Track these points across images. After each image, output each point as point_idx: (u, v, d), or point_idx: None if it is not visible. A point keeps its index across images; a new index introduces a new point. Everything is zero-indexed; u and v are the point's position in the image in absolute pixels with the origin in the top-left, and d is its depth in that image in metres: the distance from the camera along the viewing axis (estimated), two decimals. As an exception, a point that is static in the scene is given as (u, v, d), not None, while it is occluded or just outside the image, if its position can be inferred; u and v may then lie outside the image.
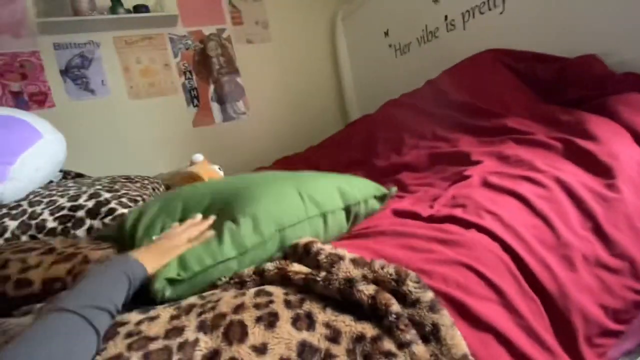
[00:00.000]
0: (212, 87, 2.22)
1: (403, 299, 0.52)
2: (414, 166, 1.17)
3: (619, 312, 0.62)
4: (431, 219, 0.75)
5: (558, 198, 0.72)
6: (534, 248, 0.64)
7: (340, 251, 0.60)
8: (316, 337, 0.48)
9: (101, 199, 1.03)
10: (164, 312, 0.51)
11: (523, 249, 0.63)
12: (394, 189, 0.92)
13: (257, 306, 0.51)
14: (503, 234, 0.65)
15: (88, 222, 0.98)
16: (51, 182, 1.25)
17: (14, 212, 0.98)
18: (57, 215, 0.98)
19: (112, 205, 1.01)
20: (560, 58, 1.23)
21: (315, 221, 0.72)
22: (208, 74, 2.21)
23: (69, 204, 1.00)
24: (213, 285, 0.59)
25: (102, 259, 0.73)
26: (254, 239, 0.62)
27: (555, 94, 1.18)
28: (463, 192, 0.81)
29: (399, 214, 0.82)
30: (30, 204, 1.01)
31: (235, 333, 0.47)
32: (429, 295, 0.52)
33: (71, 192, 1.06)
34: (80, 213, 0.99)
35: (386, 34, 2.08)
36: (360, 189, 0.84)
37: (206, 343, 0.45)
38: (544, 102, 1.18)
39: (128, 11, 1.90)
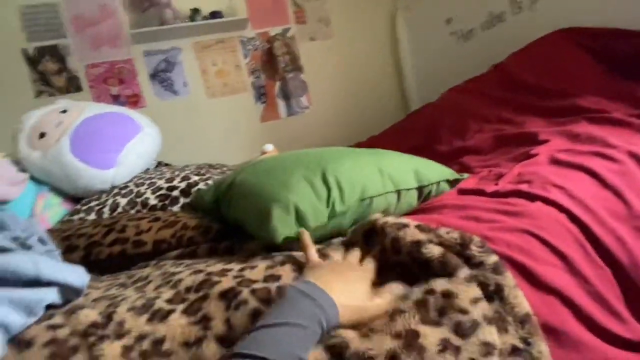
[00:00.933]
0: (277, 84, 2.37)
1: (468, 261, 0.55)
2: (478, 149, 1.17)
3: None
4: (495, 195, 0.77)
5: (631, 171, 0.71)
6: (604, 219, 0.64)
7: (405, 220, 0.65)
8: None
9: (191, 180, 1.19)
10: (261, 263, 0.60)
11: (592, 220, 0.64)
12: (467, 175, 0.95)
13: None
14: (570, 205, 0.66)
15: (181, 200, 1.14)
16: (148, 169, 1.45)
17: (123, 191, 1.17)
18: (157, 194, 1.15)
19: (200, 185, 1.16)
20: (643, 32, 1.15)
21: (390, 197, 0.77)
22: (274, 72, 2.35)
23: (166, 185, 1.17)
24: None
25: (199, 226, 0.86)
26: (340, 205, 0.68)
27: (635, 71, 1.12)
28: (529, 169, 0.81)
29: (463, 191, 0.85)
30: (136, 185, 1.19)
31: None
32: (493, 258, 0.54)
33: (167, 176, 1.23)
34: (175, 193, 1.15)
35: (448, 22, 2.06)
36: (435, 171, 0.88)
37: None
38: (624, 80, 1.12)
39: (205, 18, 2.10)
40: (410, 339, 0.45)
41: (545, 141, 0.96)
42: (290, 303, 0.43)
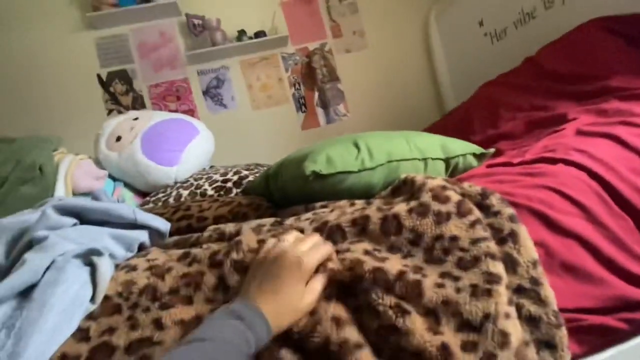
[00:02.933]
0: (316, 95, 2.52)
1: (486, 210, 0.60)
2: (511, 135, 1.21)
3: None
4: (521, 164, 0.82)
5: (655, 133, 0.74)
6: (625, 175, 0.68)
7: (433, 176, 0.73)
8: (400, 241, 0.58)
9: (242, 174, 1.33)
10: (288, 220, 0.70)
11: (612, 176, 0.68)
12: (492, 150, 1.01)
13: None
14: (591, 164, 0.70)
15: (234, 190, 1.28)
16: (204, 169, 1.62)
17: (185, 184, 1.34)
18: (213, 186, 1.30)
19: (250, 178, 1.30)
20: (676, 13, 1.16)
21: (417, 164, 0.85)
22: (313, 83, 2.51)
23: (221, 178, 1.32)
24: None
25: (251, 203, 0.99)
26: (369, 162, 0.78)
27: (672, 51, 1.12)
28: (555, 141, 0.86)
29: (491, 165, 0.91)
30: (195, 180, 1.35)
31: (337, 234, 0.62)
32: (510, 210, 0.59)
33: (221, 171, 1.38)
34: (229, 184, 1.29)
35: (480, 23, 2.12)
36: (461, 145, 0.95)
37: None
38: (657, 60, 1.12)
39: (250, 38, 2.31)
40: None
41: (574, 119, 0.99)
42: (225, 322, 0.43)
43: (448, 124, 1.68)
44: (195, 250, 0.60)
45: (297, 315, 0.48)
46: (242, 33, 2.30)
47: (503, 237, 0.57)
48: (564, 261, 0.59)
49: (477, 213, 0.59)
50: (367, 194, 0.82)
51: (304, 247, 0.52)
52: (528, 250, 0.55)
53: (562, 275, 0.58)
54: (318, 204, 0.79)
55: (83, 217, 0.64)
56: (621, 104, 0.96)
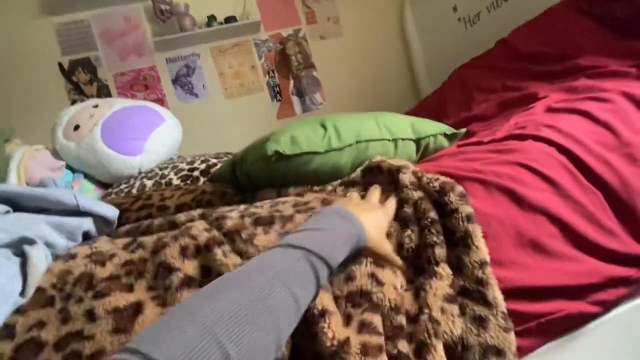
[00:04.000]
0: (291, 83, 2.46)
1: (443, 208, 0.58)
2: (484, 117, 1.20)
3: None
4: (491, 142, 0.81)
5: (622, 107, 0.73)
6: (593, 149, 0.67)
7: (404, 162, 0.70)
8: None
9: (210, 162, 1.27)
10: (265, 205, 0.67)
11: (581, 150, 0.66)
12: (463, 130, 0.99)
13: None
14: (560, 139, 0.69)
15: (202, 179, 1.22)
16: (171, 158, 1.55)
17: (149, 174, 1.27)
18: (179, 175, 1.24)
19: (219, 166, 1.24)
20: (642, -7, 1.16)
21: (387, 145, 0.82)
22: (288, 71, 2.45)
23: (187, 167, 1.26)
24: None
25: (216, 191, 0.94)
26: (337, 142, 0.74)
27: (636, 30, 1.12)
28: (524, 119, 0.85)
29: (462, 145, 0.89)
30: (160, 169, 1.29)
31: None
32: (469, 209, 0.56)
33: (188, 160, 1.32)
34: (196, 173, 1.24)
35: (454, 9, 2.10)
36: (432, 126, 0.93)
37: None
38: (623, 39, 1.12)
39: (220, 23, 2.23)
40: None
41: (545, 97, 0.98)
42: (329, 218, 0.48)
43: (423, 109, 1.66)
44: (142, 238, 0.55)
45: (381, 249, 0.52)
46: (212, 18, 2.22)
47: (455, 240, 0.56)
48: (534, 239, 0.57)
49: (433, 214, 0.57)
50: (335, 175, 0.79)
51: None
52: (478, 251, 0.54)
53: (533, 254, 0.57)
54: (292, 189, 0.75)
55: (18, 205, 0.58)
56: (590, 81, 0.96)
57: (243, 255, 0.48)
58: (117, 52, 2.23)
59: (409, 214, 0.58)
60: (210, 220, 0.55)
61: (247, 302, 0.34)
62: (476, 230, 0.55)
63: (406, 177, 0.64)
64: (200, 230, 0.51)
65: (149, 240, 0.53)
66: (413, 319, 0.49)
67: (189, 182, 1.23)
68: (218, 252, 0.47)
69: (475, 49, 1.94)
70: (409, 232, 0.57)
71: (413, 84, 2.61)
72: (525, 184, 0.62)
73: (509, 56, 1.37)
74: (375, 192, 0.63)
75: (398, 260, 0.54)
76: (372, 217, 0.53)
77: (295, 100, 2.47)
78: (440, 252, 0.54)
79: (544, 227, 0.59)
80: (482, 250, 0.54)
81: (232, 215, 0.56)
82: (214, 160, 1.29)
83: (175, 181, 1.23)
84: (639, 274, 0.59)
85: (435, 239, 0.55)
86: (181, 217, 0.60)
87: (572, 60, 1.13)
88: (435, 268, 0.53)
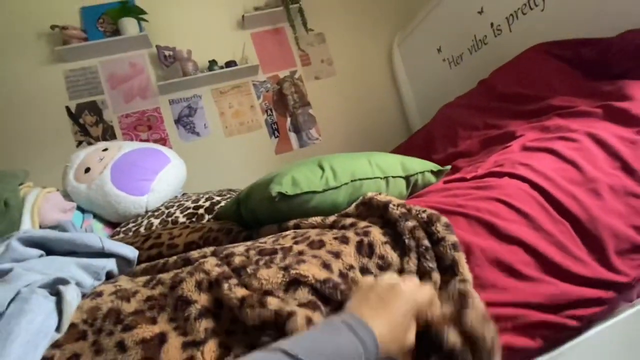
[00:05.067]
0: (289, 120, 2.58)
1: (430, 237, 0.65)
2: (468, 153, 1.30)
3: None
4: (474, 178, 0.89)
5: (587, 146, 0.82)
6: (561, 184, 0.75)
7: (390, 197, 0.78)
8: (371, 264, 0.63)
9: (214, 200, 1.34)
10: (268, 239, 0.73)
11: (551, 186, 0.75)
12: (449, 167, 1.08)
13: (335, 235, 0.71)
14: (532, 176, 0.77)
15: (206, 216, 1.29)
16: (176, 196, 1.62)
17: (156, 213, 1.34)
18: (185, 213, 1.30)
19: (222, 204, 1.32)
20: (603, 38, 1.29)
21: (379, 182, 0.90)
22: (285, 109, 2.58)
23: (192, 205, 1.33)
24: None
25: (222, 228, 1.01)
26: (333, 182, 0.82)
27: (602, 72, 1.24)
28: (503, 157, 0.93)
29: (448, 181, 0.97)
30: (166, 208, 1.36)
31: (316, 243, 0.66)
32: (454, 238, 0.63)
33: (193, 198, 1.39)
34: (201, 211, 1.31)
35: (439, 50, 2.26)
36: (420, 164, 1.01)
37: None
38: (591, 80, 1.24)
39: (221, 67, 2.37)
40: None
41: (521, 136, 1.08)
42: (334, 331, 0.43)
43: (413, 144, 1.76)
44: (160, 275, 0.61)
45: (402, 346, 0.46)
46: (213, 63, 2.36)
47: (445, 267, 0.62)
48: (509, 265, 0.64)
49: (427, 242, 0.64)
50: (333, 212, 0.86)
51: (413, 284, 0.52)
52: (463, 277, 0.60)
53: (509, 278, 0.63)
54: (291, 223, 0.82)
55: (49, 249, 0.65)
56: (561, 120, 1.05)
57: (248, 287, 0.55)
58: (122, 95, 2.36)
59: (409, 243, 0.64)
60: (220, 257, 0.62)
61: None
62: (461, 258, 0.62)
63: (396, 210, 0.71)
64: (212, 265, 0.58)
65: (166, 277, 0.60)
66: None
67: (194, 219, 1.29)
68: (225, 286, 0.53)
69: (459, 87, 2.08)
70: (409, 259, 0.62)
71: (404, 119, 2.75)
72: (502, 217, 0.70)
73: (489, 96, 1.49)
74: (412, 279, 0.55)
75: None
76: (394, 315, 0.47)
77: (292, 136, 2.58)
78: (436, 277, 0.60)
79: (520, 255, 0.66)
80: (466, 276, 0.60)
81: (239, 250, 0.63)
82: (218, 198, 1.36)
83: (182, 219, 1.29)
84: (609, 295, 0.65)
85: (431, 265, 0.61)
86: (194, 254, 0.66)
87: (545, 101, 1.24)
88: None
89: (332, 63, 2.69)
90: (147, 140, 2.31)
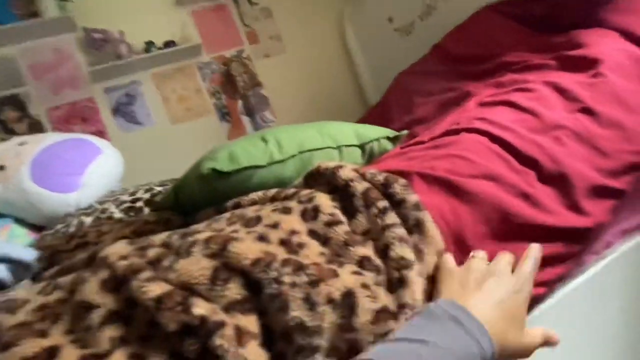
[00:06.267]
0: (240, 103, 2.44)
1: (390, 199, 0.58)
2: (425, 119, 1.24)
3: (616, 172, 0.65)
4: (431, 139, 0.82)
5: (545, 94, 0.77)
6: (522, 133, 0.69)
7: (341, 163, 0.69)
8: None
9: (154, 190, 1.20)
10: (200, 226, 0.62)
11: (511, 136, 0.69)
12: (406, 131, 1.01)
13: (274, 208, 0.61)
14: (491, 129, 0.71)
15: (146, 210, 1.15)
16: (113, 191, 1.46)
17: (88, 210, 1.18)
18: (121, 207, 1.16)
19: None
20: (553, -8, 1.26)
21: (331, 152, 0.81)
22: (234, 91, 2.43)
23: (129, 198, 1.18)
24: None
25: (159, 220, 0.89)
26: (278, 155, 0.72)
27: (552, 26, 1.21)
28: (459, 115, 0.87)
29: (405, 146, 0.90)
30: (100, 203, 1.20)
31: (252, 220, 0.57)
32: (414, 197, 0.57)
33: (130, 191, 1.24)
34: (139, 204, 1.16)
35: (390, 20, 2.19)
36: (375, 130, 0.94)
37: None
38: (542, 35, 1.21)
39: (159, 49, 2.18)
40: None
41: (477, 95, 1.02)
42: (440, 325, 0.35)
43: (370, 117, 1.69)
44: (60, 278, 0.49)
45: (523, 347, 0.38)
46: (149, 44, 2.16)
47: (409, 227, 0.55)
48: (473, 225, 0.58)
49: (384, 203, 0.56)
50: (280, 184, 0.77)
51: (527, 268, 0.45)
52: (434, 240, 0.54)
53: (474, 239, 0.57)
54: (230, 203, 0.72)
55: None
56: (516, 75, 1.01)
57: (167, 281, 0.44)
58: (48, 86, 2.11)
59: (358, 204, 0.57)
60: (135, 248, 0.51)
61: None
62: (427, 217, 0.55)
63: (346, 172, 0.62)
64: (119, 258, 0.47)
65: (66, 279, 0.48)
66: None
67: (132, 214, 1.15)
68: (134, 283, 0.43)
69: (413, 55, 2.02)
70: (359, 221, 0.55)
71: (360, 94, 2.67)
72: (460, 174, 0.63)
73: (443, 60, 1.44)
74: (506, 258, 0.48)
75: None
76: (501, 307, 0.38)
77: (245, 119, 2.44)
78: (401, 232, 0.52)
79: (484, 212, 0.60)
80: (438, 238, 0.54)
81: (159, 238, 0.52)
82: (159, 189, 1.22)
83: (118, 214, 1.15)
84: (570, 248, 0.60)
85: (389, 222, 0.53)
86: (104, 245, 0.54)
87: (498, 59, 1.20)
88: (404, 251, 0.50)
89: (281, 39, 2.56)
90: (82, 134, 2.09)
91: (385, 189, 0.59)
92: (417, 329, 0.35)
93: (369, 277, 0.48)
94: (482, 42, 1.36)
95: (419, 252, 0.53)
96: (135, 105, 2.22)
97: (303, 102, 2.55)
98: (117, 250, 0.50)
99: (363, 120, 1.77)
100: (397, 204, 0.57)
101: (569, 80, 0.78)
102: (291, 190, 0.65)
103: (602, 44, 0.85)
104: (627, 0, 0.99)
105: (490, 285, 0.41)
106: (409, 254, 0.51)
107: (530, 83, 0.84)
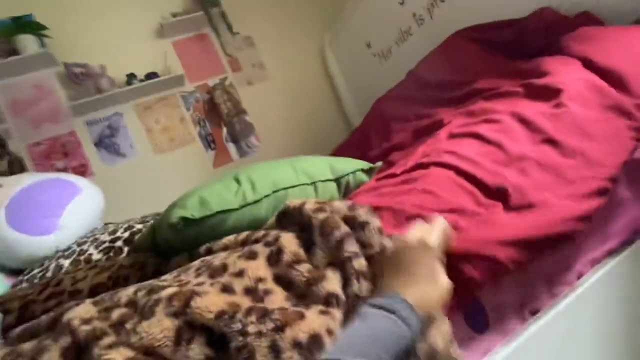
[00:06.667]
0: (224, 130, 2.45)
1: (353, 222, 0.58)
2: (402, 145, 1.25)
3: (583, 198, 0.65)
4: (403, 172, 0.83)
5: (509, 126, 0.79)
6: (488, 166, 0.71)
7: (306, 199, 0.69)
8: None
9: (134, 229, 1.19)
10: (170, 276, 0.62)
11: (476, 169, 0.70)
12: (380, 163, 1.02)
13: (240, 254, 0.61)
14: (457, 162, 0.72)
15: (126, 249, 1.14)
16: (95, 229, 1.44)
17: (66, 252, 1.16)
18: (100, 248, 1.14)
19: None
20: (519, 19, 1.31)
21: (306, 189, 0.82)
22: (219, 119, 2.44)
23: (109, 238, 1.17)
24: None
25: (135, 263, 0.87)
26: (252, 196, 0.72)
27: (520, 51, 1.25)
28: (431, 147, 0.89)
29: (380, 179, 0.91)
30: (78, 245, 1.18)
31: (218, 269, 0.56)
32: (377, 222, 0.58)
33: (110, 230, 1.23)
34: (119, 243, 1.15)
35: (368, 45, 2.24)
36: (349, 164, 0.95)
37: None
38: (510, 61, 1.25)
39: (141, 80, 2.19)
40: None
41: (449, 123, 1.05)
42: (376, 319, 0.43)
43: (350, 144, 1.71)
44: (23, 345, 0.48)
45: (442, 293, 0.47)
46: (131, 76, 2.17)
47: (372, 255, 0.55)
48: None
49: (344, 228, 0.56)
50: (254, 224, 0.76)
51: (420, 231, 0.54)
52: None
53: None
54: (202, 248, 0.71)
55: None
56: (486, 103, 1.03)
57: (130, 346, 0.44)
58: (29, 122, 2.10)
59: (315, 236, 0.57)
60: (100, 309, 0.50)
61: None
62: (389, 243, 0.55)
63: (309, 206, 0.62)
64: (81, 322, 0.46)
65: (28, 347, 0.47)
66: None
67: (111, 254, 1.14)
68: (95, 351, 0.42)
69: (393, 80, 2.06)
70: (317, 253, 0.55)
71: (343, 117, 2.71)
72: (427, 209, 0.64)
73: (418, 86, 1.47)
74: (418, 228, 0.56)
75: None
76: (424, 278, 0.48)
77: (230, 146, 2.45)
78: (361, 263, 0.52)
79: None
80: None
81: (126, 294, 0.52)
82: (139, 226, 1.21)
83: (96, 255, 1.13)
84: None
85: (349, 251, 0.53)
86: (70, 308, 0.53)
87: (470, 85, 1.22)
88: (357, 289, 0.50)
89: (263, 67, 2.59)
90: (64, 169, 2.08)
91: (349, 212, 0.59)
92: (358, 329, 0.43)
93: (335, 315, 0.48)
94: (454, 68, 1.39)
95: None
96: (118, 137, 2.22)
97: (287, 127, 2.57)
98: (81, 314, 0.49)
99: (343, 146, 1.79)
100: (360, 226, 0.57)
101: (532, 111, 0.80)
102: (261, 233, 0.65)
103: (563, 72, 0.88)
104: (588, 28, 1.04)
105: (414, 264, 0.50)
106: (365, 290, 0.51)
107: (498, 114, 0.86)
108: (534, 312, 0.66)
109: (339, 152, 1.78)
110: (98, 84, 2.08)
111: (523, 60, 1.17)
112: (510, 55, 1.26)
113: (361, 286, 0.50)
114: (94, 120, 2.19)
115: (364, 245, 0.55)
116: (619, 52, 0.86)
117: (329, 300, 0.49)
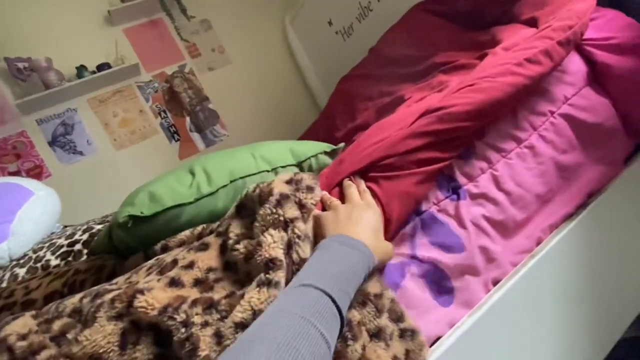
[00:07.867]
0: (188, 120, 2.36)
1: (295, 186, 0.57)
2: (366, 125, 1.23)
3: None
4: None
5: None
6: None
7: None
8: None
9: (94, 230, 1.14)
10: (121, 279, 0.59)
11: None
12: (342, 144, 1.00)
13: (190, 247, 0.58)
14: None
15: (85, 252, 1.09)
16: (53, 233, 1.37)
17: (21, 261, 1.10)
18: (58, 253, 1.09)
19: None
20: (474, -11, 1.29)
21: (266, 176, 0.79)
22: (181, 108, 2.35)
23: (66, 242, 1.11)
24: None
25: (91, 267, 0.83)
26: (207, 187, 0.69)
27: (477, 22, 1.24)
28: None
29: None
30: (34, 251, 1.12)
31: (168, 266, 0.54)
32: (318, 185, 0.59)
33: (68, 233, 1.17)
34: (78, 246, 1.10)
35: (330, 23, 2.18)
36: (311, 147, 0.92)
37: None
38: (468, 32, 1.24)
39: (92, 72, 2.06)
40: None
41: (409, 98, 1.03)
42: (335, 251, 0.46)
43: (318, 125, 1.68)
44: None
45: (388, 250, 0.53)
46: (81, 69, 2.04)
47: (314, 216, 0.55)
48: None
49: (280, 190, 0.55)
50: (214, 216, 0.73)
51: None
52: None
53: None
54: (158, 246, 0.68)
55: None
56: (444, 77, 1.03)
57: (72, 357, 0.41)
58: (-27, 124, 1.95)
59: (255, 207, 0.56)
60: (40, 321, 0.46)
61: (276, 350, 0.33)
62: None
63: (260, 187, 0.60)
64: (17, 338, 0.43)
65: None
66: None
67: (70, 259, 1.08)
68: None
69: (357, 57, 2.03)
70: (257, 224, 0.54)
71: (310, 97, 2.66)
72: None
73: (379, 62, 1.44)
74: (350, 189, 0.61)
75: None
76: (369, 227, 0.52)
77: (195, 136, 2.37)
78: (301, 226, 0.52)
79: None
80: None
81: (71, 302, 0.48)
82: (98, 227, 1.15)
83: (54, 261, 1.07)
84: None
85: (292, 213, 0.52)
86: (7, 321, 0.50)
87: (430, 59, 1.21)
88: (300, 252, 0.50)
89: (224, 51, 2.50)
90: (17, 172, 1.96)
91: (292, 177, 0.59)
92: (320, 258, 0.46)
93: (277, 280, 0.46)
94: (413, 43, 1.37)
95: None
96: (74, 135, 2.10)
97: (254, 112, 2.51)
98: (18, 329, 0.45)
99: (311, 130, 1.76)
100: (300, 190, 0.56)
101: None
102: (216, 224, 0.63)
103: (514, 38, 0.88)
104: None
105: (357, 215, 0.53)
106: (309, 251, 0.50)
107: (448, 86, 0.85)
108: (496, 283, 0.67)
109: (306, 135, 1.75)
110: (45, 78, 1.94)
111: (480, 30, 1.16)
112: (468, 26, 1.25)
113: (305, 247, 0.49)
114: (46, 118, 2.06)
115: (303, 206, 0.54)
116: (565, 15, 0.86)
117: (269, 265, 0.47)
